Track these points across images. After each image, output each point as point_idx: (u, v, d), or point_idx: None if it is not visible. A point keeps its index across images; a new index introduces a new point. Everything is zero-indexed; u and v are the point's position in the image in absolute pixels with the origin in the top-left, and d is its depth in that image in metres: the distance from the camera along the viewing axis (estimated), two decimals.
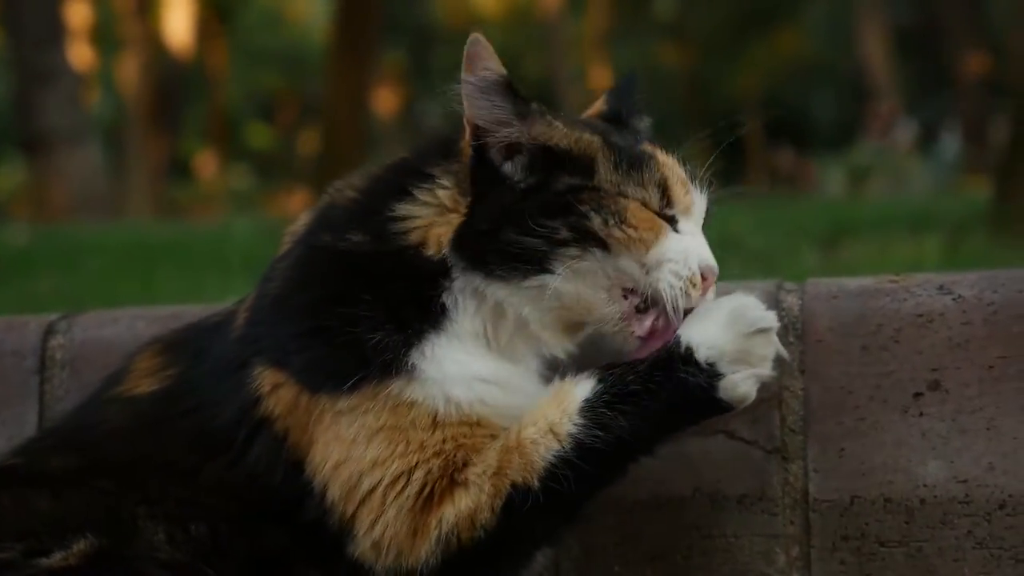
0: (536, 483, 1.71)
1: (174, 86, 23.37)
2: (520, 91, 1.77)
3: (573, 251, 1.74)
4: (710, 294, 1.80)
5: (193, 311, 2.21)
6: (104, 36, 24.37)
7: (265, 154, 28.94)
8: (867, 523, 2.04)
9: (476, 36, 1.74)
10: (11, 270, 5.95)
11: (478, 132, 1.77)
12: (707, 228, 1.86)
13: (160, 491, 1.78)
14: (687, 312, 1.77)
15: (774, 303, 2.11)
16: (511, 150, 1.78)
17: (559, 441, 1.72)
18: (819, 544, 2.05)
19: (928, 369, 2.04)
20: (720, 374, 1.73)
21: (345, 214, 1.83)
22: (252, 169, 27.39)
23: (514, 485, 1.71)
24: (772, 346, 1.77)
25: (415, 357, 1.74)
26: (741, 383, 1.74)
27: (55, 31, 13.83)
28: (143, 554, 1.72)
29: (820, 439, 2.06)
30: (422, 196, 1.79)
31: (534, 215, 1.74)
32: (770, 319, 1.78)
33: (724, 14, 27.67)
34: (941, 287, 2.07)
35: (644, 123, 1.95)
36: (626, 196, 1.76)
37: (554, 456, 1.71)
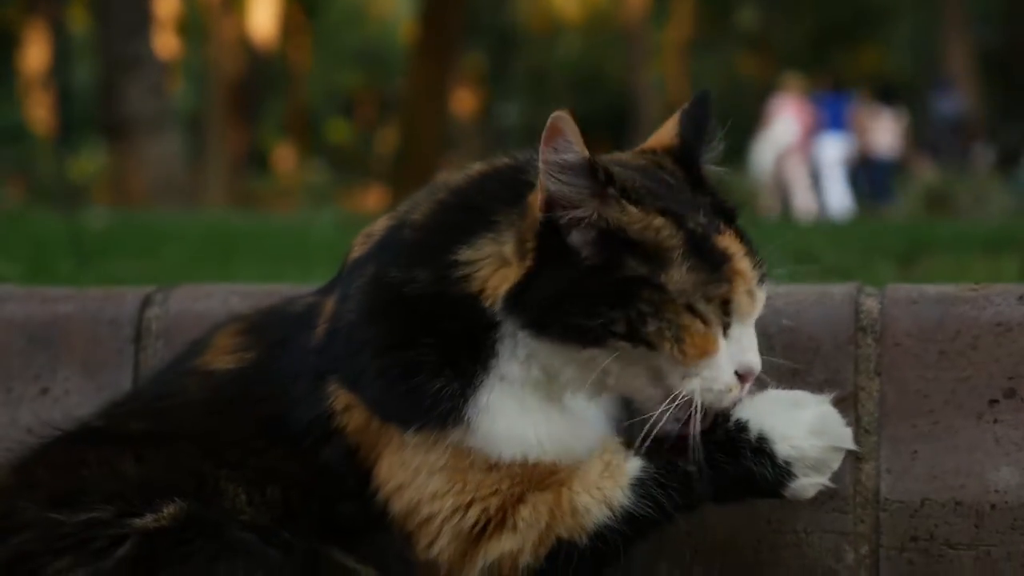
0: (584, 540, 1.80)
1: (256, 79, 23.59)
2: (599, 171, 1.75)
3: (625, 344, 1.76)
4: (746, 389, 1.81)
5: (285, 290, 2.27)
6: (190, 27, 24.66)
7: (342, 150, 29.14)
8: (936, 525, 2.06)
9: (560, 114, 1.73)
10: (92, 254, 6.03)
11: (551, 205, 1.76)
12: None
13: (237, 459, 1.85)
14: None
15: (854, 306, 2.14)
16: (581, 224, 1.77)
17: (612, 511, 1.79)
18: (888, 543, 2.08)
19: (1005, 377, 2.06)
20: (794, 475, 1.80)
21: (411, 247, 1.85)
22: (329, 164, 27.59)
23: (560, 540, 1.80)
24: (839, 463, 1.84)
25: (471, 410, 1.79)
26: (810, 489, 1.82)
27: (142, 20, 14.02)
28: (227, 516, 1.79)
29: (893, 440, 2.09)
30: (485, 246, 1.80)
31: (596, 300, 1.75)
32: (851, 440, 1.85)
33: (806, 27, 27.53)
34: (1021, 297, 2.09)
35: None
36: (691, 311, 1.75)
37: (605, 523, 1.79)
